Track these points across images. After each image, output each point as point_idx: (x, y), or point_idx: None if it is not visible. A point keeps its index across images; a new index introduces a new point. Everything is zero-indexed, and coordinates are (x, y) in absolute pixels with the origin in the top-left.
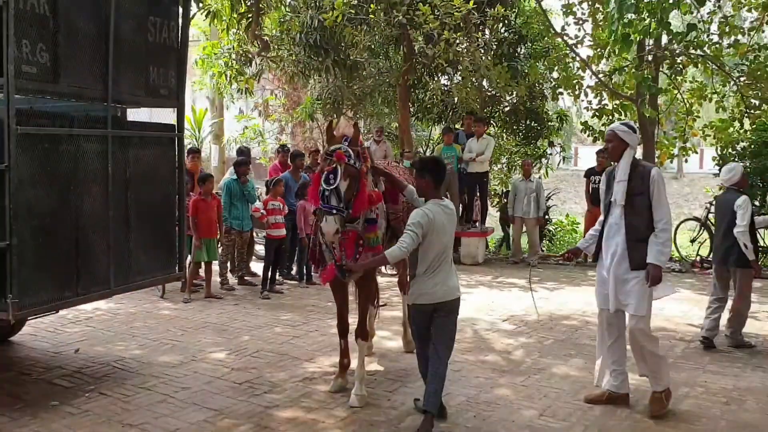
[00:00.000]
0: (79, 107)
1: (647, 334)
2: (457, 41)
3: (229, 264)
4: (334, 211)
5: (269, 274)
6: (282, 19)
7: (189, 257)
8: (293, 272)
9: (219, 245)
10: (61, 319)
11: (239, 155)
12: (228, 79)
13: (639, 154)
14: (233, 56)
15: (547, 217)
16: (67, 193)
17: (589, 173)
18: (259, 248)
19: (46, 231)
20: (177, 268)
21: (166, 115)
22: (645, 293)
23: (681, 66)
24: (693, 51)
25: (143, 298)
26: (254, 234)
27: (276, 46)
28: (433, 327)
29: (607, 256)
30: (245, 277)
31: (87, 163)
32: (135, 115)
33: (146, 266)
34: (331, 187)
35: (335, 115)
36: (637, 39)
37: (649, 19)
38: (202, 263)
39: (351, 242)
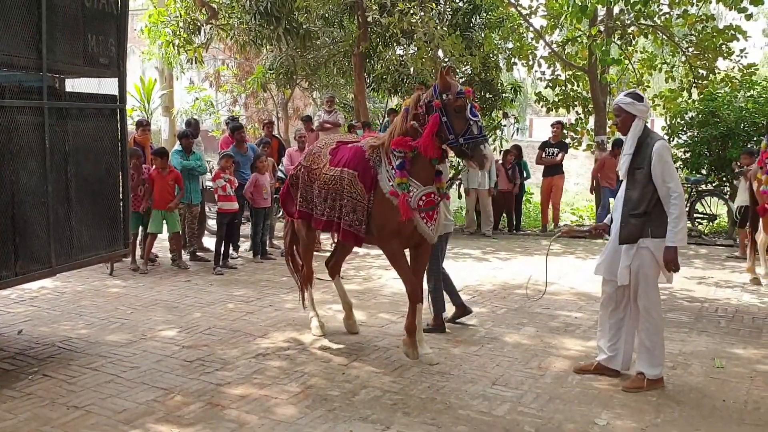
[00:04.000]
0: (11, 77)
1: (649, 311)
2: (411, 10)
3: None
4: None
5: (221, 249)
6: None
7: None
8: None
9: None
10: (4, 300)
11: (188, 127)
12: (176, 48)
13: (591, 125)
14: (180, 24)
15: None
16: None
17: (544, 146)
18: (212, 223)
19: None
20: (123, 244)
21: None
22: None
23: (632, 36)
24: (643, 21)
25: (91, 276)
26: (207, 208)
27: (225, 14)
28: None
29: (614, 230)
30: (197, 253)
31: (21, 136)
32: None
33: (90, 243)
34: (478, 118)
35: (288, 86)
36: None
37: None
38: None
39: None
